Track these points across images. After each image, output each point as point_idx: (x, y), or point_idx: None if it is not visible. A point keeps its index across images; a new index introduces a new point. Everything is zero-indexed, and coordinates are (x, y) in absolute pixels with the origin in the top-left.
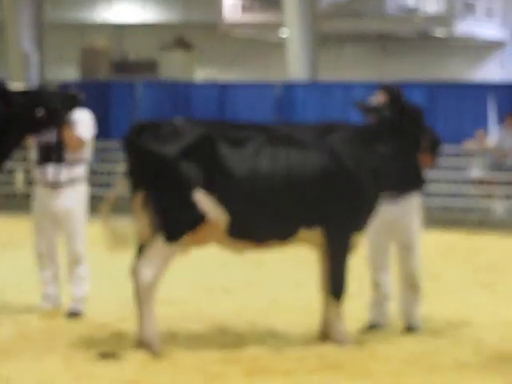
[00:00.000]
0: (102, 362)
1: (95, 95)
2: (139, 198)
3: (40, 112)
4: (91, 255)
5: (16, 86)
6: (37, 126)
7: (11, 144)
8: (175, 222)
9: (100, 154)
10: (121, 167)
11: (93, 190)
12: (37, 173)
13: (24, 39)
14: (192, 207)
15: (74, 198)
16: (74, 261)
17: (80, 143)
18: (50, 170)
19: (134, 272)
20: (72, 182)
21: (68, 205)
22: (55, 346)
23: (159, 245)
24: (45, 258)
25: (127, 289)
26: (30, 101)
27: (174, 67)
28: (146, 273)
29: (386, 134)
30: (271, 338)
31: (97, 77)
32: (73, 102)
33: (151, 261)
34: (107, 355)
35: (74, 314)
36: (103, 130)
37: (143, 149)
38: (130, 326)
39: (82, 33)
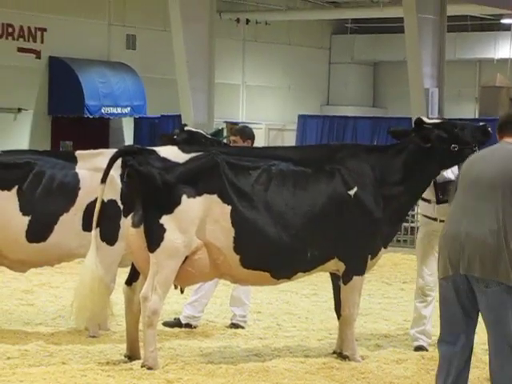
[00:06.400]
0: None
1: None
2: None
3: (455, 146)
4: None
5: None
6: (450, 160)
7: (425, 179)
8: None
9: None
10: None
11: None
12: (431, 209)
13: (425, 76)
14: None
15: None
16: None
17: None
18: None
19: None
20: None
21: None
22: None
23: None
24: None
25: None
26: (447, 134)
27: None
28: None
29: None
30: None
31: (497, 114)
32: (483, 135)
33: None
34: None
35: None
36: None
37: None
38: None
39: (480, 69)
